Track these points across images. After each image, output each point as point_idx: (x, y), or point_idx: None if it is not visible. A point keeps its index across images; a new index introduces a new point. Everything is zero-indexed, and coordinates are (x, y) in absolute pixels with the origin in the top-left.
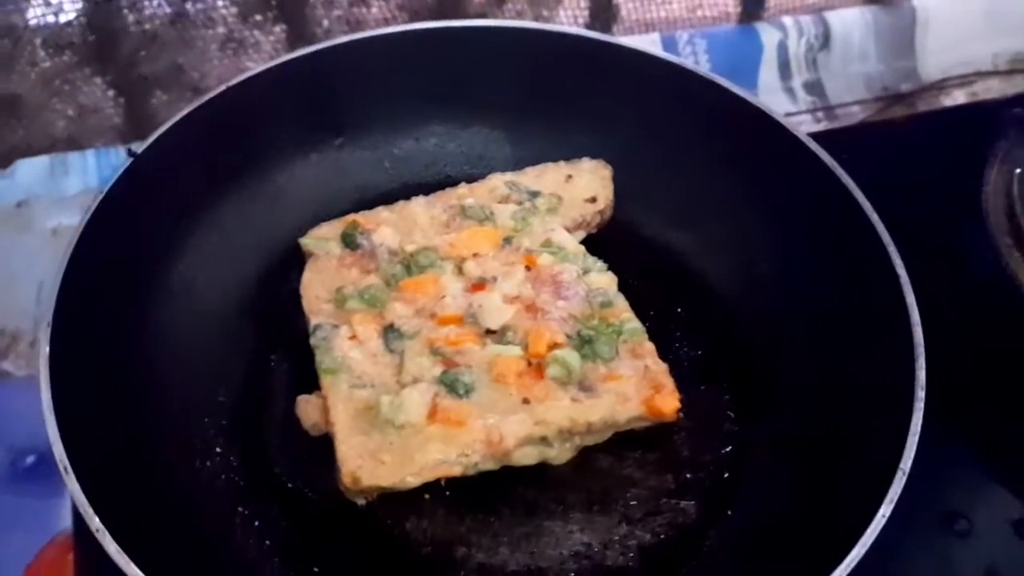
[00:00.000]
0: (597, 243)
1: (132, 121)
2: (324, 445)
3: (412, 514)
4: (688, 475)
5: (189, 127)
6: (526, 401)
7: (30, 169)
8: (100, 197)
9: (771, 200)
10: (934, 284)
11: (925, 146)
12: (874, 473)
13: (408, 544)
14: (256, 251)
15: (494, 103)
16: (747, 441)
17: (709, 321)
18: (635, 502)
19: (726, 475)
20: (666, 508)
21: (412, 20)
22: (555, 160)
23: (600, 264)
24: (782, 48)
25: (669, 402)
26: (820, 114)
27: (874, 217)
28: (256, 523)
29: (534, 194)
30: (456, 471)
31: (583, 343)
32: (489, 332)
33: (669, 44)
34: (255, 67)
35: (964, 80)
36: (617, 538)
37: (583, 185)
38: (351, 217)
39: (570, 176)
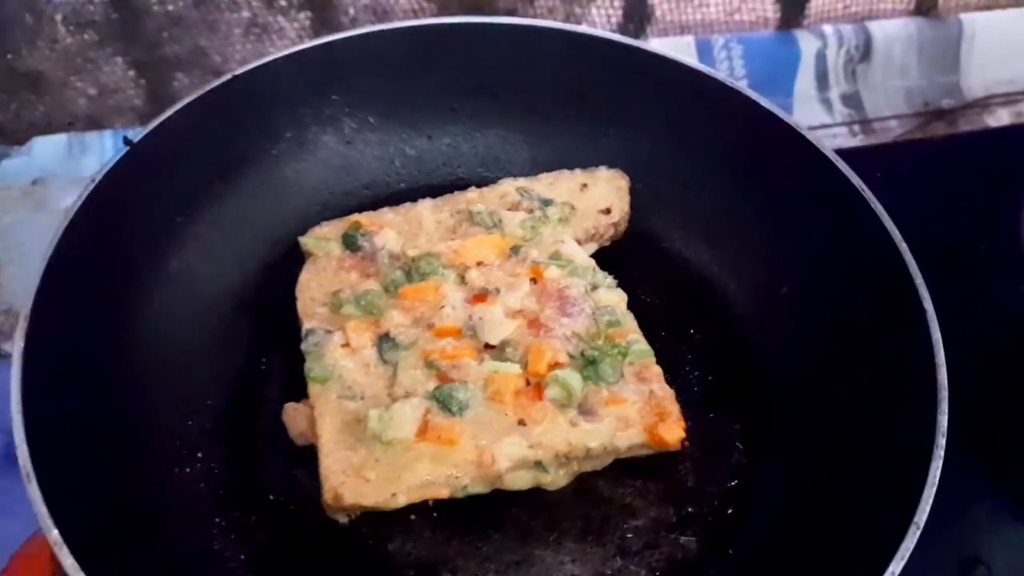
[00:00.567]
0: (611, 255)
1: (152, 102)
2: (311, 456)
3: (397, 534)
4: (690, 508)
5: (191, 116)
6: (522, 422)
7: (47, 147)
8: (91, 186)
9: (797, 221)
10: (963, 315)
11: (963, 168)
12: (887, 526)
13: (391, 566)
14: (256, 247)
15: (513, 104)
16: (754, 476)
17: (724, 345)
18: (632, 534)
19: (730, 511)
20: (665, 542)
21: (440, 13)
22: (573, 166)
23: (610, 280)
24: (820, 57)
25: (673, 431)
26: (856, 127)
27: (903, 247)
28: (233, 535)
29: (546, 202)
30: (444, 493)
31: (586, 364)
32: (488, 347)
33: (704, 48)
34: (273, 54)
35: (1009, 98)
36: (611, 572)
37: (598, 195)
38: (354, 217)
39: (585, 185)
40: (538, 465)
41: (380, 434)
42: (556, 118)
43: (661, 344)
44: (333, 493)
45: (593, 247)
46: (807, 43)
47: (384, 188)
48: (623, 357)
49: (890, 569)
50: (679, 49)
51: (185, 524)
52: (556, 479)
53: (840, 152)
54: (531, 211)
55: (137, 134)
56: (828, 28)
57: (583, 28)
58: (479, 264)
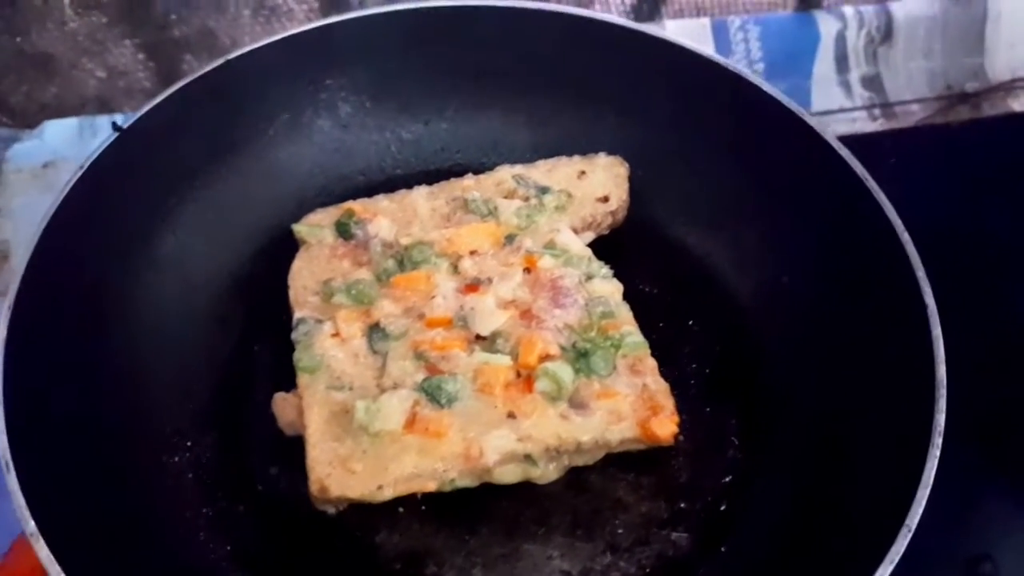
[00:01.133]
0: (610, 242)
1: (162, 84)
2: (300, 446)
3: (384, 526)
4: (683, 504)
5: (183, 101)
6: (511, 415)
7: (58, 130)
8: (79, 172)
9: (799, 210)
10: (980, 308)
11: (986, 154)
12: (878, 527)
13: (377, 558)
14: (249, 232)
15: (512, 89)
16: (749, 471)
17: (722, 337)
18: (623, 529)
19: (723, 507)
20: (656, 539)
21: None
22: (573, 152)
23: (605, 270)
24: (840, 39)
25: (666, 425)
26: (877, 111)
27: (905, 238)
28: (219, 526)
29: (543, 190)
30: (431, 486)
31: (578, 356)
32: (479, 338)
33: (720, 29)
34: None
35: None
36: (599, 568)
37: (596, 183)
38: (348, 204)
39: (583, 172)
40: (528, 459)
41: (367, 426)
42: (556, 103)
43: (658, 335)
44: (319, 485)
45: (591, 236)
46: (826, 24)
47: (380, 173)
48: (616, 349)
49: (879, 572)
50: (694, 31)
51: (171, 514)
52: (546, 473)
53: (856, 137)
54: (527, 199)
55: (127, 119)
56: (848, 9)
57: (584, 11)
58: (472, 253)
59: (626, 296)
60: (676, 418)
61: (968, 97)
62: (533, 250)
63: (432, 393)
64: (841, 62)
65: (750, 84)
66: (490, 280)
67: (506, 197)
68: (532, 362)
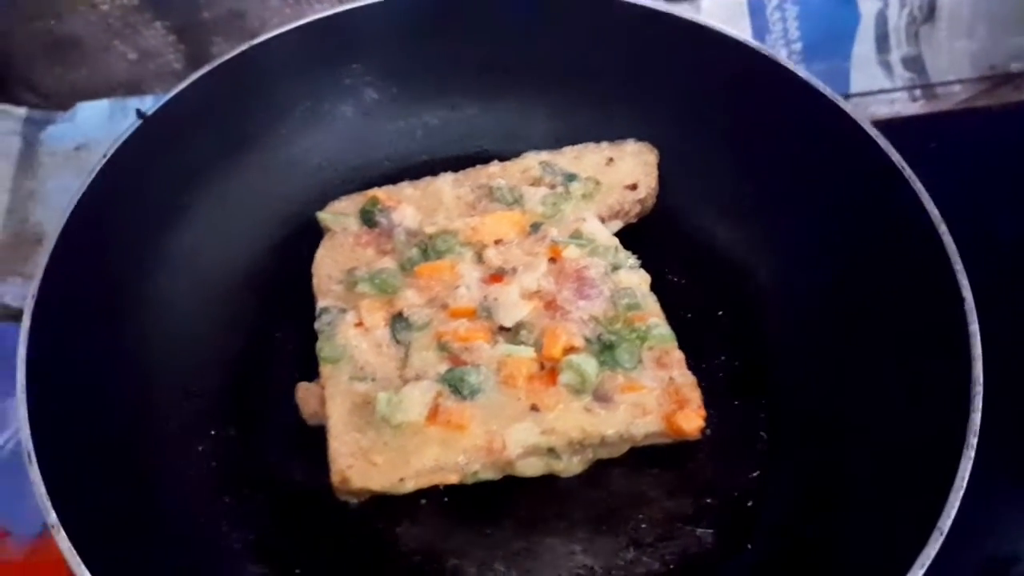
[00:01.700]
0: (638, 231)
1: (192, 66)
2: (322, 436)
3: (405, 518)
4: (708, 500)
5: (206, 89)
6: (535, 408)
7: (91, 113)
8: (104, 160)
9: (833, 199)
10: (1009, 304)
11: None
12: (910, 528)
13: (398, 550)
14: (273, 222)
15: (540, 73)
16: (778, 468)
17: (752, 329)
18: (646, 525)
19: (750, 504)
20: (680, 534)
21: None
22: (600, 138)
23: (632, 260)
24: (881, 18)
25: (692, 420)
26: (918, 92)
27: (942, 229)
28: (241, 516)
29: (570, 177)
30: (453, 479)
31: (603, 348)
32: (503, 329)
33: (757, 8)
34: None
35: None
36: (622, 563)
37: (625, 170)
38: (372, 192)
39: (611, 159)
40: (551, 452)
41: (389, 418)
42: (583, 88)
43: (686, 326)
44: (340, 476)
45: (618, 224)
46: (866, 3)
47: (404, 160)
48: (642, 342)
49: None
50: (731, 9)
51: (192, 504)
52: (569, 466)
53: (895, 121)
54: (553, 187)
55: (151, 107)
56: None
57: None
58: (497, 242)
59: (653, 286)
60: (703, 412)
61: (1013, 77)
62: (558, 239)
63: (455, 384)
64: (882, 42)
65: (782, 68)
66: (515, 270)
67: (532, 184)
68: (556, 354)
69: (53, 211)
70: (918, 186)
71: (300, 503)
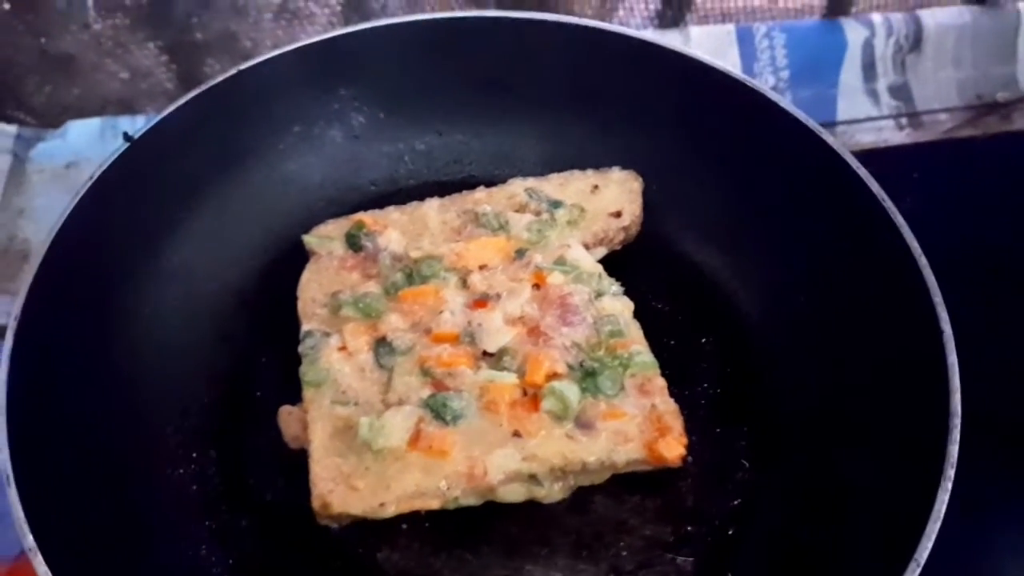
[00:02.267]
0: (622, 258)
1: (184, 86)
2: (304, 460)
3: (386, 544)
4: (689, 527)
5: (195, 112)
6: (517, 434)
7: (81, 131)
8: (91, 182)
9: (814, 228)
10: (992, 333)
11: (1013, 168)
12: (887, 560)
13: None
14: (259, 243)
15: (527, 101)
16: (759, 495)
17: (735, 356)
18: (627, 552)
19: (731, 531)
20: (660, 562)
21: (469, 6)
22: (586, 165)
23: (616, 287)
24: (868, 47)
25: (673, 447)
26: (904, 120)
27: (923, 262)
28: (222, 539)
29: (555, 204)
30: (434, 504)
31: (585, 375)
32: (486, 354)
33: (745, 36)
34: (268, 53)
35: None
36: None
37: (609, 198)
38: (358, 216)
39: (596, 186)
40: (532, 478)
41: (370, 442)
42: (570, 116)
43: (669, 353)
44: (321, 501)
45: (602, 251)
46: (854, 32)
47: (392, 184)
48: (624, 369)
49: None
50: (719, 37)
51: (172, 528)
52: (551, 493)
53: (879, 151)
54: (539, 213)
55: (138, 130)
56: (877, 16)
57: (599, 23)
58: (482, 268)
59: (636, 313)
60: (684, 440)
61: (999, 107)
62: (543, 266)
63: (437, 410)
64: (868, 70)
65: (766, 99)
66: (499, 296)
67: (517, 211)
68: (539, 380)
69: (42, 228)
70: (899, 219)
71: (281, 527)
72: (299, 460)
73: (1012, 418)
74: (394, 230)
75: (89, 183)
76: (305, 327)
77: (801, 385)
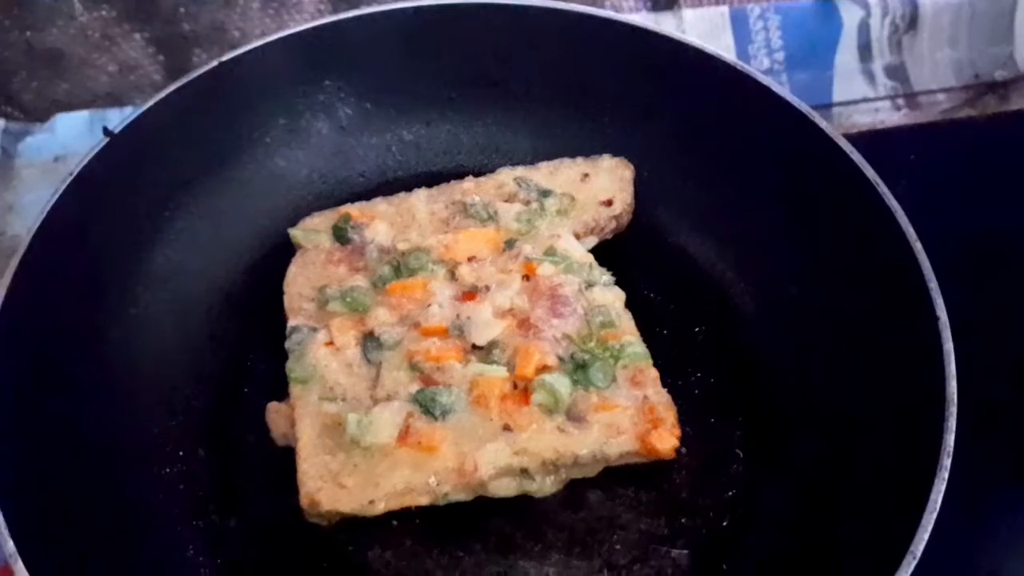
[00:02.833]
0: (613, 247)
1: (172, 78)
2: (293, 458)
3: (376, 542)
4: (684, 520)
5: (176, 105)
6: (507, 428)
7: (69, 124)
8: (69, 179)
9: (808, 216)
10: (989, 318)
11: (1011, 149)
12: (882, 552)
13: (369, 575)
14: (246, 239)
15: (518, 89)
16: (754, 487)
17: (729, 346)
18: (621, 547)
19: (725, 523)
20: (655, 556)
21: None
22: (576, 154)
23: (607, 278)
24: (863, 28)
25: (667, 439)
26: (900, 101)
27: (918, 247)
28: (211, 540)
29: (544, 193)
30: (424, 501)
31: (576, 368)
32: (475, 348)
33: (739, 19)
34: (252, 42)
35: None
36: None
37: (600, 186)
38: (345, 208)
39: (587, 175)
40: (524, 473)
41: (358, 439)
42: (560, 103)
43: (662, 343)
44: (309, 499)
45: (593, 241)
46: (849, 13)
47: (380, 176)
48: (616, 360)
49: None
50: (713, 20)
51: (160, 529)
52: (543, 487)
53: (874, 132)
54: (528, 203)
55: (118, 124)
56: None
57: (589, 8)
58: (471, 259)
59: (628, 303)
60: (677, 431)
61: (996, 86)
62: (533, 257)
63: (426, 405)
64: (864, 51)
65: (758, 83)
66: (488, 288)
67: (507, 200)
68: (529, 374)
69: (30, 223)
70: (893, 203)
71: (270, 527)
72: (288, 458)
73: (1009, 404)
74: (381, 222)
75: (70, 178)
76: (292, 322)
77: (796, 374)
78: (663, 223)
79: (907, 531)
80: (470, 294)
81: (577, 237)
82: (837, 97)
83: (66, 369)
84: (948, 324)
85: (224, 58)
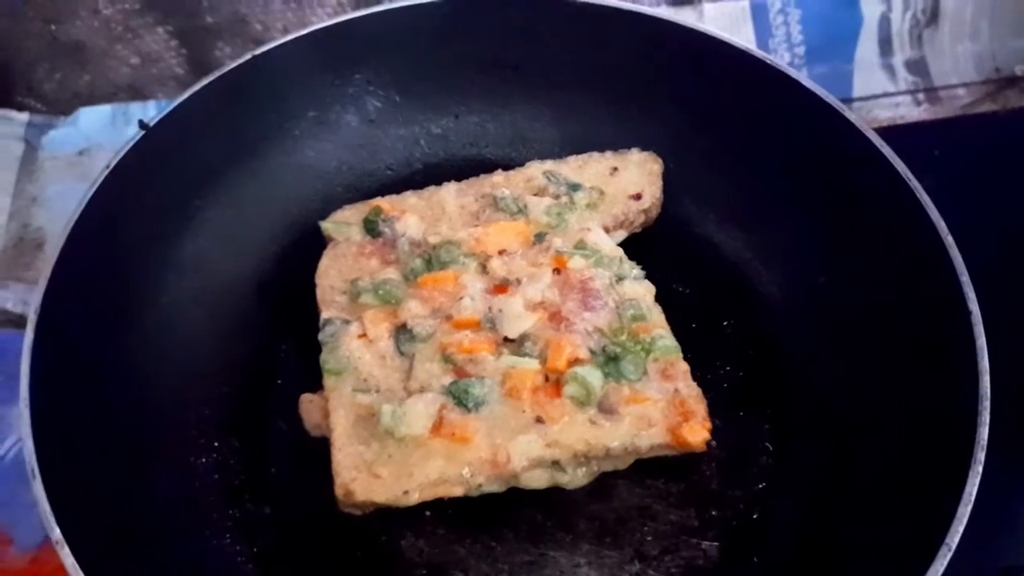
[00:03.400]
0: (642, 241)
1: (194, 71)
2: (327, 448)
3: (410, 531)
4: (714, 512)
5: (209, 99)
6: (539, 420)
7: (93, 118)
8: (107, 170)
9: (837, 209)
10: (1018, 312)
11: None
12: (918, 543)
13: (402, 564)
14: (277, 231)
15: (543, 82)
16: (783, 479)
17: (757, 339)
18: (651, 537)
19: (755, 515)
20: (685, 547)
21: None
22: (604, 147)
23: (637, 271)
24: (884, 21)
25: (698, 432)
26: (921, 95)
27: (949, 240)
28: (245, 528)
29: (574, 187)
30: (458, 491)
31: (607, 360)
32: (507, 340)
33: (759, 12)
34: (281, 38)
35: None
36: None
37: (629, 180)
38: (376, 202)
39: (616, 168)
40: (555, 464)
41: (393, 430)
42: (587, 96)
43: (691, 337)
44: (344, 489)
45: (622, 234)
46: (869, 7)
47: (408, 168)
48: (647, 354)
49: None
50: (733, 14)
51: (196, 517)
52: (574, 479)
53: (898, 127)
54: (557, 196)
55: (154, 117)
56: None
57: (614, 1)
58: (501, 252)
59: (658, 296)
60: (708, 424)
61: (1017, 80)
62: (563, 250)
63: (459, 397)
64: (885, 45)
65: (786, 76)
66: (519, 281)
67: (536, 194)
68: (561, 366)
69: (55, 216)
70: (924, 196)
71: (304, 516)
72: (321, 448)
73: None
74: (412, 215)
75: (106, 172)
76: (324, 315)
77: (825, 367)
78: (690, 215)
79: (942, 524)
80: (501, 287)
81: (606, 231)
82: (857, 91)
83: (102, 361)
84: (980, 318)
85: (256, 52)
